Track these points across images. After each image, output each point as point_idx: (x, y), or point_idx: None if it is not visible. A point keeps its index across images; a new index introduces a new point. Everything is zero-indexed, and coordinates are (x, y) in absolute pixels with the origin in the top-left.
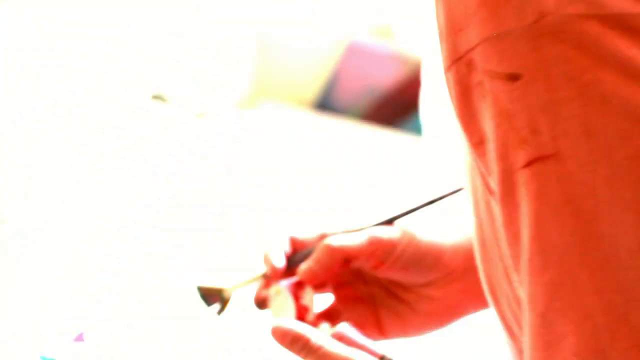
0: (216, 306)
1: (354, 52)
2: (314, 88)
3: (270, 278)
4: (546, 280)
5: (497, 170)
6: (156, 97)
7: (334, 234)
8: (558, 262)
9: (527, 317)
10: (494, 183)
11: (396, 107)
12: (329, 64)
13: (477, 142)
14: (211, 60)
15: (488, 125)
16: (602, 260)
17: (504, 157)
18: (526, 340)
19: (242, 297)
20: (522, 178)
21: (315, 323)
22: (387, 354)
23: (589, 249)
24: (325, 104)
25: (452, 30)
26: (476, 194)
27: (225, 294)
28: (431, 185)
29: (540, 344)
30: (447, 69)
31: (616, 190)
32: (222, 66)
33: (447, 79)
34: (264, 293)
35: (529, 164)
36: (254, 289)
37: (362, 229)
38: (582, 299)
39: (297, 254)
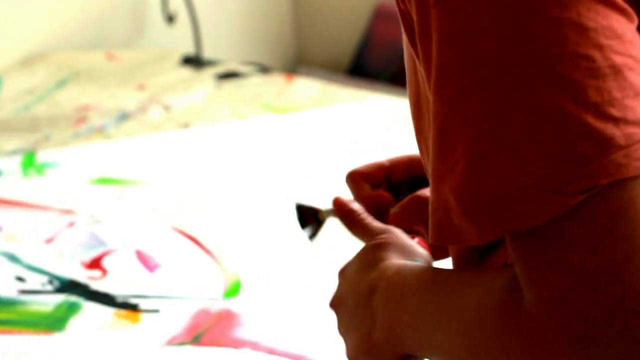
0: (310, 229)
1: (383, 16)
2: (347, 53)
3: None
4: (444, 98)
5: (415, 12)
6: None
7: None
8: (453, 83)
9: (432, 132)
10: (415, 27)
11: None
12: (360, 28)
13: None
14: (248, 27)
15: None
16: (488, 80)
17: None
18: (431, 153)
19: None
20: (433, 16)
21: None
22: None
23: (477, 71)
24: (358, 67)
25: None
26: (410, 61)
27: (321, 216)
28: None
29: (438, 152)
30: None
31: (502, 20)
32: (260, 33)
33: None
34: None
35: (437, 3)
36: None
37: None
38: (470, 110)
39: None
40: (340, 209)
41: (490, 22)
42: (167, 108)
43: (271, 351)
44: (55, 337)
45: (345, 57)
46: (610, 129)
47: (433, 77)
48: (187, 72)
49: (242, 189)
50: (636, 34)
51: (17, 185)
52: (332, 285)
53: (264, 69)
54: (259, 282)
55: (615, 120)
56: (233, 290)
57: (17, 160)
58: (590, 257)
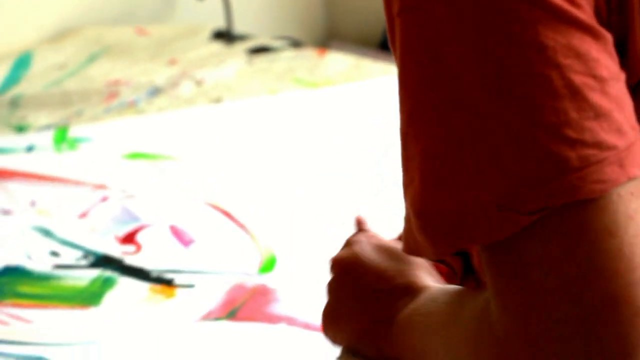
0: None
1: None
2: (379, 27)
3: None
4: (406, 109)
5: (386, 19)
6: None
7: None
8: (414, 94)
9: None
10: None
11: None
12: None
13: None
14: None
15: None
16: (447, 95)
17: (388, 6)
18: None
19: None
20: (397, 25)
21: None
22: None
23: (436, 85)
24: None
25: None
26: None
27: None
28: None
29: (402, 162)
30: None
31: (462, 36)
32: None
33: None
34: None
35: (399, 13)
36: None
37: None
38: (425, 125)
39: None
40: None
41: (451, 37)
42: (198, 83)
43: (307, 326)
44: (91, 312)
45: (377, 32)
46: (565, 151)
47: (398, 86)
48: (218, 46)
49: (275, 164)
50: (604, 53)
51: (50, 160)
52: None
53: (296, 44)
54: (293, 258)
55: (572, 142)
56: (268, 265)
57: (49, 136)
58: (546, 276)
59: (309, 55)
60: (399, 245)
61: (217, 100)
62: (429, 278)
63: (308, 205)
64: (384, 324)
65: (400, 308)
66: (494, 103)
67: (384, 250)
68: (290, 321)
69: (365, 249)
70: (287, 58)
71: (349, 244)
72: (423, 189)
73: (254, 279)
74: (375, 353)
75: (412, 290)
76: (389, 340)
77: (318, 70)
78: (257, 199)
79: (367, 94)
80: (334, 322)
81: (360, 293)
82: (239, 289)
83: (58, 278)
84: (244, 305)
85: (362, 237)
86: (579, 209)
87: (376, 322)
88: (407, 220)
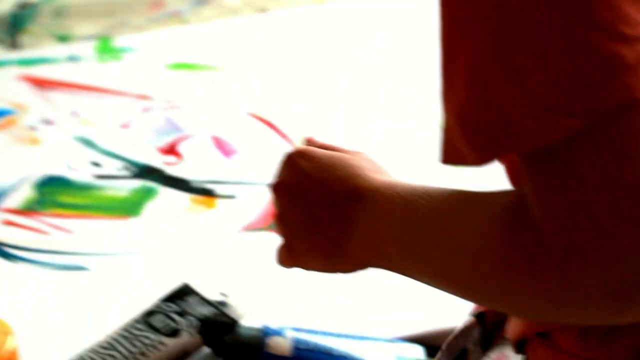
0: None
1: None
2: None
3: None
4: (449, 10)
5: None
6: None
7: None
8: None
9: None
10: None
11: None
12: None
13: None
14: None
15: None
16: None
17: None
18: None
19: None
20: None
21: None
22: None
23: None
24: None
25: None
26: None
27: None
28: None
29: (443, 70)
30: None
31: None
32: None
33: None
34: None
35: None
36: None
37: None
38: (472, 28)
39: None
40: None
41: None
42: None
43: None
44: (132, 222)
45: None
46: (620, 49)
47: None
48: None
49: (320, 75)
50: None
51: (93, 70)
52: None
53: None
54: None
55: (627, 39)
56: None
57: (92, 45)
58: (600, 176)
59: None
60: (341, 155)
61: (263, 10)
62: (378, 175)
63: (351, 116)
64: (343, 237)
65: (353, 215)
66: (542, 3)
67: (325, 162)
68: None
69: (304, 166)
70: None
71: (286, 165)
72: (468, 93)
73: None
74: (350, 269)
75: (361, 194)
76: (352, 254)
77: None
78: (301, 109)
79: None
80: (297, 257)
81: (310, 215)
82: None
83: (99, 188)
84: None
85: (297, 157)
86: (635, 110)
87: (334, 240)
88: (447, 128)
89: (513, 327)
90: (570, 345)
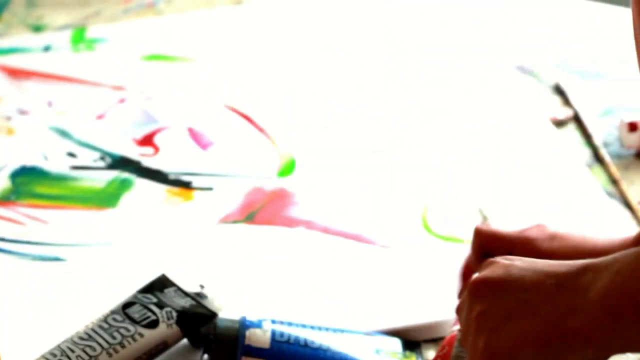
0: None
1: None
2: None
3: None
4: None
5: None
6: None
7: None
8: None
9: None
10: None
11: None
12: None
13: None
14: None
15: None
16: None
17: None
18: None
19: None
20: None
21: None
22: None
23: None
24: None
25: None
26: None
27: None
28: None
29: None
30: None
31: None
32: None
33: None
34: None
35: None
36: None
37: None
38: None
39: None
40: None
41: None
42: None
43: (326, 230)
44: (108, 213)
45: None
46: None
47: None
48: None
49: (296, 67)
50: None
51: (67, 61)
52: None
53: None
54: (313, 162)
55: None
56: (287, 169)
57: (66, 36)
58: None
59: None
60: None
61: (238, 1)
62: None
63: (328, 108)
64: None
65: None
66: None
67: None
68: (309, 225)
69: (520, 265)
70: None
71: (492, 264)
72: None
73: (272, 182)
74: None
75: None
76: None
77: None
78: (277, 102)
79: None
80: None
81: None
82: (257, 192)
83: (75, 179)
84: (263, 209)
85: (512, 258)
86: None
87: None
88: None
89: None
90: None
